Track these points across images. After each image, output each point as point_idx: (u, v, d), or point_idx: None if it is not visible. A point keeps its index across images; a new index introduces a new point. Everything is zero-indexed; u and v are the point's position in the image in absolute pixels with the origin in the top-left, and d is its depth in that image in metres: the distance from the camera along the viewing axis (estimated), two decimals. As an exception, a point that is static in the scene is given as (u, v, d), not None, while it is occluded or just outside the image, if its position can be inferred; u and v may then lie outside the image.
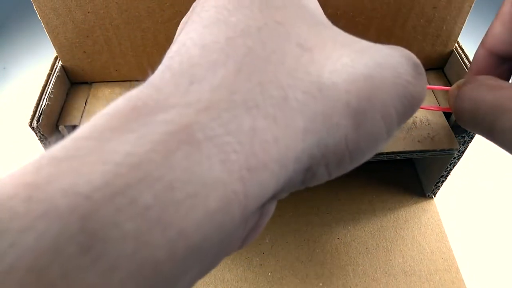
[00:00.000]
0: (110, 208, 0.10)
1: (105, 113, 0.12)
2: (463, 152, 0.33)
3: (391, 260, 0.37)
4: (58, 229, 0.10)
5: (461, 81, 0.24)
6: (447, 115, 0.34)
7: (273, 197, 0.14)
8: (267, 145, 0.12)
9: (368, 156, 0.15)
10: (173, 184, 0.11)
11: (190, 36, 0.14)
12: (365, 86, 0.14)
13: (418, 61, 0.16)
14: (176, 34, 0.18)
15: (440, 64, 0.36)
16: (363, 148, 0.15)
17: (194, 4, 0.17)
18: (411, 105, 0.16)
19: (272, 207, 0.16)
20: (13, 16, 0.61)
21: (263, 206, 0.14)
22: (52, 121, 0.32)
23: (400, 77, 0.15)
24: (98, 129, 0.12)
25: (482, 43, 0.25)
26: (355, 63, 0.14)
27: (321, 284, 0.36)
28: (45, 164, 0.11)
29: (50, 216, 0.10)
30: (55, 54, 0.35)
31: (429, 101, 0.34)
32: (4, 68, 0.55)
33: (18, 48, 0.58)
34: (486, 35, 0.24)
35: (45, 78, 0.33)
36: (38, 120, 0.30)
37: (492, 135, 0.21)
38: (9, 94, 0.53)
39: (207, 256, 0.12)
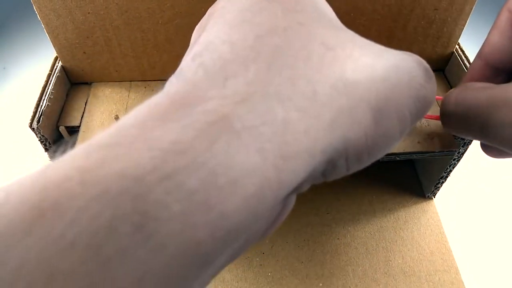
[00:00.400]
0: (159, 190, 0.11)
1: (145, 105, 0.13)
2: (463, 153, 0.33)
3: (390, 260, 0.37)
4: (112, 209, 0.10)
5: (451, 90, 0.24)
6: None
7: (295, 189, 0.15)
8: (298, 135, 0.13)
9: (382, 154, 0.16)
10: (216, 170, 0.12)
11: (217, 35, 0.15)
12: (383, 86, 0.15)
13: (428, 66, 0.17)
14: (192, 38, 0.19)
15: (441, 65, 0.36)
16: (380, 146, 0.16)
17: (210, 10, 0.18)
18: (422, 107, 0.17)
19: (293, 200, 0.16)
20: (13, 16, 0.61)
21: (286, 198, 0.15)
22: (52, 122, 0.32)
23: (414, 80, 0.16)
24: (140, 119, 0.12)
25: (479, 54, 0.25)
26: (374, 64, 0.15)
27: (321, 284, 0.36)
28: (94, 151, 0.11)
29: (104, 197, 0.10)
30: (55, 54, 0.35)
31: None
32: (4, 68, 0.54)
33: (18, 48, 0.57)
34: (483, 45, 0.24)
35: (45, 78, 0.33)
36: (38, 121, 0.30)
37: (485, 133, 0.21)
38: (9, 94, 0.53)
39: (238, 241, 0.13)
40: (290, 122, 0.13)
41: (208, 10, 0.18)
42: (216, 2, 0.18)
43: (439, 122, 0.33)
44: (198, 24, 0.19)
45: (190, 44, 0.18)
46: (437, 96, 0.29)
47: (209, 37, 0.15)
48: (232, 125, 0.12)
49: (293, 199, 0.16)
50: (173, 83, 0.14)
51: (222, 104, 0.13)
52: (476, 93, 0.21)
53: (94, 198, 0.10)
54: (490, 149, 0.25)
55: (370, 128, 0.15)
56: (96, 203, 0.10)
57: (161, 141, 0.12)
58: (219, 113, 0.13)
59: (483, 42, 0.25)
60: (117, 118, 0.31)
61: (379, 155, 0.16)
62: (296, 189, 0.15)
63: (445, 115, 0.24)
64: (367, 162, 0.16)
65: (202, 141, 0.12)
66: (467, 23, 0.32)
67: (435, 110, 0.32)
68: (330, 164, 0.15)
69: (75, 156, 0.12)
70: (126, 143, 0.12)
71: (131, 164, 0.11)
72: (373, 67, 0.15)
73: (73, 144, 0.32)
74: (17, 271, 0.09)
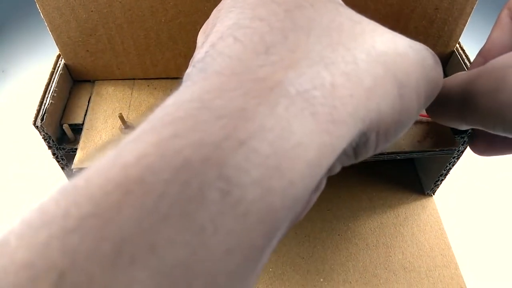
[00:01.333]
0: (238, 156, 0.11)
1: (192, 84, 0.13)
2: (462, 151, 0.34)
3: (391, 256, 0.37)
4: (198, 177, 0.10)
5: None
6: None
7: (329, 170, 0.15)
8: (345, 99, 0.13)
9: (402, 132, 0.17)
10: (282, 134, 0.12)
11: (239, 17, 0.15)
12: (405, 62, 0.15)
13: (433, 52, 0.18)
14: (199, 39, 0.18)
15: (441, 64, 0.37)
16: (402, 123, 0.16)
17: (216, 9, 0.18)
18: (433, 88, 0.17)
19: (324, 182, 0.17)
20: (11, 18, 0.61)
21: (323, 177, 0.15)
22: (55, 120, 0.32)
23: (426, 61, 0.16)
24: (196, 94, 0.12)
25: (480, 52, 0.25)
26: (396, 40, 0.16)
27: (322, 280, 0.36)
28: (161, 126, 0.11)
29: (187, 167, 0.10)
30: (54, 54, 0.35)
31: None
32: (3, 71, 0.54)
33: (17, 50, 0.57)
34: (485, 43, 0.25)
35: (45, 77, 0.33)
36: (42, 119, 0.30)
37: (464, 111, 0.20)
38: (9, 95, 0.52)
39: (295, 212, 0.13)
40: (337, 86, 0.13)
41: (215, 9, 0.18)
42: (220, 3, 0.18)
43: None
44: (204, 26, 0.19)
45: (198, 46, 0.18)
46: None
47: (228, 22, 0.15)
48: (287, 89, 0.12)
49: (325, 181, 0.16)
50: (207, 63, 0.14)
51: (273, 71, 0.13)
52: (457, 75, 0.21)
53: (177, 168, 0.10)
54: (477, 145, 0.25)
55: (396, 102, 0.15)
56: (180, 173, 0.10)
57: (227, 109, 0.12)
58: (273, 79, 0.13)
59: (483, 41, 0.25)
60: (121, 116, 0.31)
61: (400, 134, 0.16)
62: (330, 170, 0.15)
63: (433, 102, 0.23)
64: (391, 140, 0.16)
65: (265, 107, 0.12)
66: (467, 23, 0.33)
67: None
68: (364, 136, 0.15)
69: (143, 135, 0.11)
70: (191, 116, 0.11)
71: (204, 133, 0.11)
72: (395, 42, 0.15)
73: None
74: (118, 245, 0.09)
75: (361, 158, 0.16)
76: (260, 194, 0.11)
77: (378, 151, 0.16)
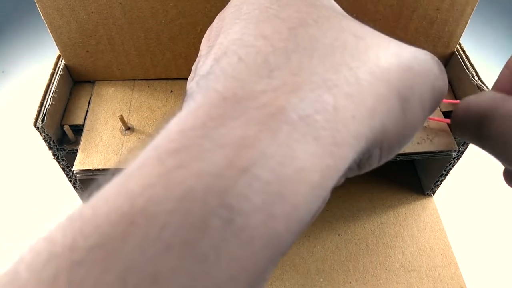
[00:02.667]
0: (240, 184, 0.11)
1: (196, 107, 0.13)
2: (462, 152, 0.34)
3: (391, 256, 0.38)
4: (201, 206, 0.11)
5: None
6: (446, 116, 0.34)
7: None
8: (347, 121, 0.13)
9: (407, 144, 0.17)
10: (283, 161, 0.12)
11: (243, 32, 0.15)
12: (409, 75, 0.15)
13: (438, 60, 0.18)
14: (203, 46, 0.18)
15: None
16: (407, 135, 0.16)
17: (220, 16, 0.18)
18: (438, 97, 0.17)
19: (329, 196, 0.17)
20: (11, 18, 0.60)
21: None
22: (56, 121, 0.32)
23: (431, 71, 0.16)
24: (199, 121, 0.13)
25: (507, 65, 0.25)
26: (400, 53, 0.15)
27: (321, 279, 0.37)
28: (165, 157, 0.12)
29: (190, 196, 0.11)
30: (54, 55, 0.35)
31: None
32: (2, 72, 0.54)
33: (17, 51, 0.57)
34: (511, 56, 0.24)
35: (44, 79, 0.33)
36: (42, 120, 0.30)
37: (482, 132, 0.20)
38: (8, 95, 0.52)
39: (300, 232, 0.13)
40: (339, 108, 0.13)
41: (217, 16, 0.18)
42: (225, 8, 0.18)
43: (438, 123, 0.33)
44: (207, 33, 0.19)
45: (200, 53, 0.18)
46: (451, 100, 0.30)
47: (233, 36, 0.15)
48: (289, 115, 0.13)
49: (328, 195, 0.17)
50: (211, 80, 0.14)
51: (275, 96, 0.13)
52: (483, 94, 0.21)
53: (180, 199, 0.11)
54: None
55: (400, 117, 0.15)
56: (183, 203, 0.11)
57: (229, 138, 0.12)
58: (275, 105, 0.13)
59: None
60: (122, 118, 0.31)
61: (404, 146, 0.16)
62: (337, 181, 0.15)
63: (453, 119, 0.23)
64: (395, 152, 0.16)
65: (266, 134, 0.12)
66: (468, 24, 0.33)
67: (435, 112, 0.33)
68: (367, 153, 0.15)
69: (148, 162, 0.12)
70: (195, 145, 0.12)
71: (207, 163, 0.11)
72: (399, 56, 0.15)
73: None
74: (122, 275, 0.10)
75: (364, 171, 0.16)
76: (263, 220, 0.11)
77: (382, 163, 0.16)
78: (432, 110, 0.17)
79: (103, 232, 0.10)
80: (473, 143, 0.22)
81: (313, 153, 0.12)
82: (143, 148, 0.13)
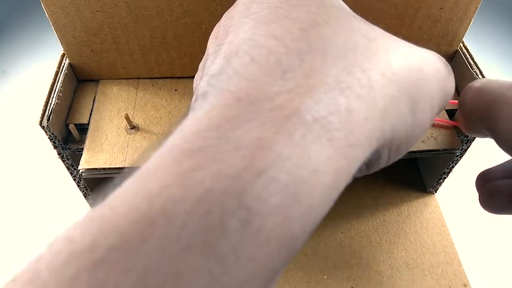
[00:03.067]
0: (258, 185, 0.11)
1: (210, 108, 0.13)
2: (465, 150, 0.34)
3: (394, 253, 0.38)
4: (219, 207, 0.11)
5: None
6: (450, 115, 0.34)
7: None
8: (360, 123, 0.13)
9: (414, 144, 0.17)
10: (299, 162, 0.12)
11: (253, 32, 0.15)
12: (418, 77, 0.16)
13: (446, 61, 0.18)
14: (210, 44, 0.18)
15: (444, 62, 0.37)
16: (415, 136, 0.16)
17: (227, 15, 0.18)
18: (446, 98, 0.17)
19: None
20: (11, 18, 0.60)
21: None
22: (61, 120, 0.32)
23: (439, 72, 0.17)
24: (214, 122, 0.13)
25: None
26: (409, 55, 0.16)
27: (325, 277, 0.37)
28: (182, 157, 0.12)
29: (208, 197, 0.11)
30: (54, 55, 0.35)
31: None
32: (2, 72, 0.54)
33: (17, 51, 0.57)
34: None
35: (50, 76, 0.33)
36: (48, 119, 0.30)
37: (492, 119, 0.20)
38: (9, 96, 0.52)
39: (313, 231, 0.13)
40: (352, 110, 0.13)
41: (225, 15, 0.18)
42: (233, 6, 0.18)
43: (441, 122, 0.33)
44: (214, 31, 0.19)
45: (208, 51, 0.18)
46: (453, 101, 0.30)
47: (243, 36, 0.15)
48: (304, 117, 0.13)
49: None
50: (223, 81, 0.14)
51: (289, 98, 0.13)
52: (493, 80, 0.21)
53: (198, 199, 0.11)
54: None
55: (409, 118, 0.15)
56: (202, 204, 0.11)
57: (245, 140, 0.12)
58: (290, 107, 0.13)
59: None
60: (127, 117, 0.31)
61: (412, 146, 0.17)
62: None
63: (462, 102, 0.23)
64: (403, 153, 0.16)
65: (282, 136, 0.12)
66: (471, 22, 0.33)
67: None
68: (377, 153, 0.15)
69: (164, 163, 0.12)
70: (211, 146, 0.12)
71: (224, 164, 0.11)
72: (409, 57, 0.15)
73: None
74: (143, 275, 0.10)
75: (373, 171, 0.17)
76: (280, 222, 0.11)
77: (390, 163, 0.17)
78: (440, 110, 0.17)
79: (122, 232, 0.10)
80: (478, 130, 0.22)
81: (327, 154, 0.13)
82: (156, 148, 0.13)
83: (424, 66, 0.16)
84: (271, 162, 0.12)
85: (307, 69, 0.14)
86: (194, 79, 0.21)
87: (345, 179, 0.13)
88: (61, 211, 0.41)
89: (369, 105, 0.14)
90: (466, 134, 0.23)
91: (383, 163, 0.16)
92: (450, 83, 0.18)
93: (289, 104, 0.13)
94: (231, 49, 0.15)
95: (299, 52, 0.14)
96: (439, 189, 0.42)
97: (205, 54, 0.19)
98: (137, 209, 0.11)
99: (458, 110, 0.24)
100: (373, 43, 0.15)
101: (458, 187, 0.44)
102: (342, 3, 0.18)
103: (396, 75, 0.15)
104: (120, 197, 0.11)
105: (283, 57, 0.14)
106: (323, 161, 0.12)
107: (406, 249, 0.38)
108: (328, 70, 0.14)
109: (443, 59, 0.18)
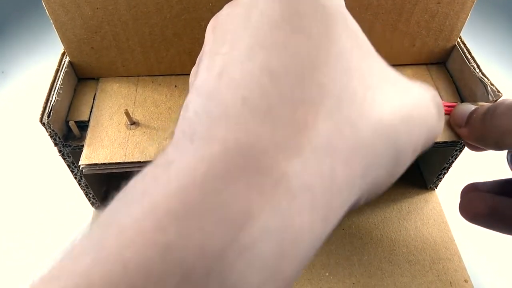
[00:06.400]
0: (241, 264, 0.11)
1: (197, 157, 0.13)
2: (464, 144, 0.34)
3: (395, 250, 0.38)
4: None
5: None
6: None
7: None
8: (341, 186, 0.13)
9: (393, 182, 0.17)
10: (283, 235, 0.12)
11: (249, 54, 0.14)
12: (408, 125, 0.16)
13: (440, 101, 0.18)
14: (209, 33, 0.18)
15: (443, 58, 0.37)
16: (394, 178, 0.16)
17: (227, 9, 0.17)
18: (431, 140, 0.18)
19: None
20: (11, 18, 0.61)
21: None
22: (61, 117, 0.33)
23: (430, 118, 0.17)
24: (199, 179, 0.12)
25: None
26: (402, 103, 0.16)
27: (327, 274, 0.37)
28: (168, 224, 0.11)
29: (186, 279, 0.10)
30: (54, 55, 0.35)
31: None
32: (2, 72, 0.54)
33: (16, 51, 0.57)
34: None
35: (51, 75, 0.33)
36: (48, 116, 0.30)
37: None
38: (9, 96, 0.52)
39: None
40: (336, 175, 0.13)
41: (225, 8, 0.18)
42: (235, 3, 0.17)
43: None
44: (212, 21, 0.18)
45: (204, 48, 0.17)
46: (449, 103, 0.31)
47: (238, 53, 0.15)
48: (290, 183, 0.12)
49: None
50: (213, 119, 0.14)
51: (277, 159, 0.13)
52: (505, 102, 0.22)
53: (180, 282, 0.10)
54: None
55: (391, 167, 0.15)
56: (184, 284, 0.10)
57: (231, 210, 0.11)
58: (278, 170, 0.12)
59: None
60: (127, 112, 0.32)
61: (390, 184, 0.17)
62: None
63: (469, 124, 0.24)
64: (384, 191, 0.17)
65: (269, 206, 0.12)
66: (468, 17, 0.33)
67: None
68: (357, 201, 0.15)
69: (147, 228, 0.11)
70: (196, 212, 0.11)
71: (208, 238, 0.11)
72: (402, 107, 0.15)
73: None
74: None
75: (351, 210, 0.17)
76: None
77: (369, 203, 0.17)
78: (422, 152, 0.18)
79: None
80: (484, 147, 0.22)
81: (309, 221, 0.13)
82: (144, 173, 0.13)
83: (416, 113, 0.16)
84: (258, 236, 0.11)
85: (299, 122, 0.13)
86: (191, 74, 0.21)
87: (327, 232, 0.13)
88: (62, 210, 0.41)
89: (351, 168, 0.14)
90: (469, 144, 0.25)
91: (362, 203, 0.16)
92: (439, 128, 0.18)
93: (277, 166, 0.12)
94: (224, 67, 0.15)
95: (293, 102, 0.13)
96: (439, 185, 0.42)
97: (202, 49, 0.18)
98: (114, 284, 0.10)
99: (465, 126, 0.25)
100: (370, 91, 0.15)
101: (459, 183, 0.44)
102: (350, 22, 0.16)
103: (386, 129, 0.15)
104: (98, 272, 0.11)
105: (276, 104, 0.13)
106: (306, 228, 0.12)
107: (407, 245, 0.38)
108: (320, 126, 0.13)
109: (437, 100, 0.18)
